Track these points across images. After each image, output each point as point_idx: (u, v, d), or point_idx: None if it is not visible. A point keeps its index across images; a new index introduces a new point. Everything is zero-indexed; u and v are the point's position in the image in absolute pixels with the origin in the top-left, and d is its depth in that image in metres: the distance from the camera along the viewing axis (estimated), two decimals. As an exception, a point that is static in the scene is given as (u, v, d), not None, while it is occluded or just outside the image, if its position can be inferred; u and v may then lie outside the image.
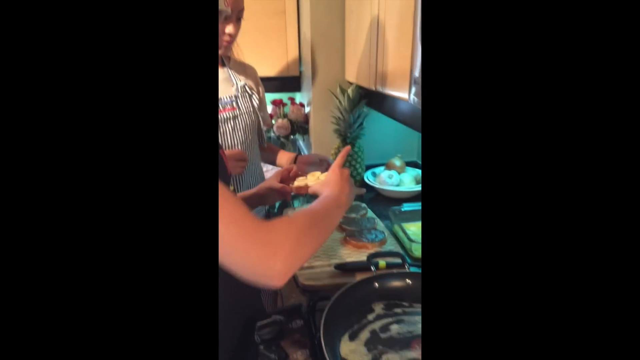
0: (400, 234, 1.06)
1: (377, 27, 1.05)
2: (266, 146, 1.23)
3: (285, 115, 1.62)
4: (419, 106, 0.75)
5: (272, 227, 0.46)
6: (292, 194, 0.84)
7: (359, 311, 0.71)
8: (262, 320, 0.67)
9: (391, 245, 1.03)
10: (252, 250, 0.42)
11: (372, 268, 0.80)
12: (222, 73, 1.09)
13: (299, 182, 0.82)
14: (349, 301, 0.71)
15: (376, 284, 0.77)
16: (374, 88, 1.15)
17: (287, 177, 0.86)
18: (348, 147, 0.80)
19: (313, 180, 0.80)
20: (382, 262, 0.89)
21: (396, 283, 0.77)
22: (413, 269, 0.93)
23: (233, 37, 0.99)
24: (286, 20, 1.50)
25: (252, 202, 0.82)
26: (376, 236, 1.04)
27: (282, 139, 1.64)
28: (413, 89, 0.73)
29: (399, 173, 1.36)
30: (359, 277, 0.79)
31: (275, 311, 0.73)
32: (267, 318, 0.68)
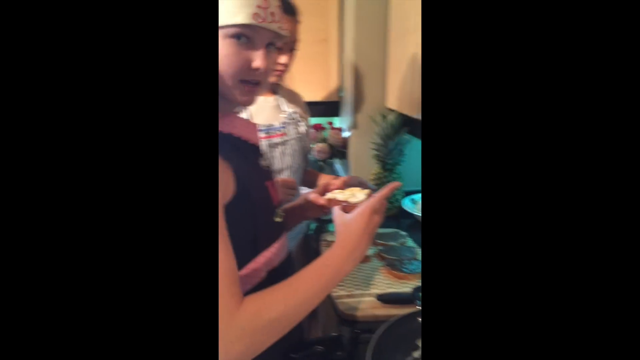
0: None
1: (420, 55, 1.06)
2: (308, 170, 1.25)
3: (324, 140, 1.64)
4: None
5: (245, 306, 0.45)
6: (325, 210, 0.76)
7: (404, 347, 0.69)
8: (302, 350, 0.66)
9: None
10: (222, 313, 0.41)
11: (417, 302, 0.78)
12: (274, 100, 1.13)
13: (331, 194, 0.74)
14: (394, 336, 0.70)
15: (419, 319, 0.74)
16: (415, 115, 1.15)
17: (324, 191, 0.79)
18: (397, 184, 0.69)
19: (347, 195, 0.71)
20: (424, 295, 0.87)
21: (442, 320, 0.75)
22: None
23: (287, 67, 1.02)
24: (329, 47, 1.54)
25: (294, 215, 0.81)
26: (417, 267, 1.02)
27: (320, 162, 1.65)
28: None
29: (439, 201, 1.34)
30: (403, 310, 0.77)
31: (315, 341, 0.72)
32: (306, 348, 0.67)
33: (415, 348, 0.69)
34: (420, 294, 0.86)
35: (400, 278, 0.98)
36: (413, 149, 1.44)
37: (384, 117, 1.32)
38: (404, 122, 1.31)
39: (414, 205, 1.37)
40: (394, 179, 1.37)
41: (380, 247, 1.10)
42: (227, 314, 0.43)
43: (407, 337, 0.71)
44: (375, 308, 0.86)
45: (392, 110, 1.34)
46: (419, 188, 1.48)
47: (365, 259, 1.06)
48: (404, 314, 0.74)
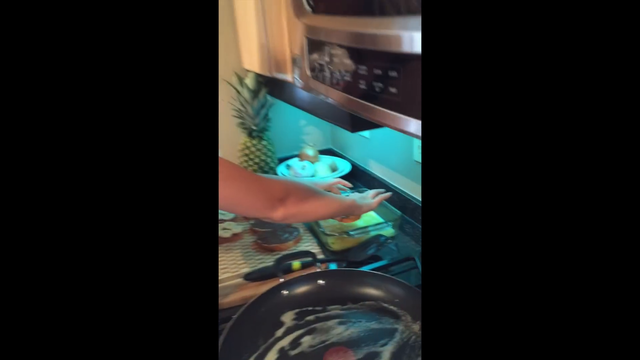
0: (316, 228, 0.98)
1: (261, 5, 0.95)
2: None
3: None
4: (306, 88, 0.67)
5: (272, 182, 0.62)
6: None
7: (266, 328, 0.62)
8: None
9: (307, 242, 0.95)
10: (254, 202, 0.59)
11: (280, 274, 0.71)
12: None
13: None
14: (253, 318, 0.62)
15: (284, 292, 0.68)
16: (270, 74, 1.05)
17: None
18: (388, 194, 0.88)
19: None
20: (295, 264, 0.81)
21: (306, 287, 0.69)
22: (332, 266, 0.86)
23: None
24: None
25: None
26: (290, 234, 0.96)
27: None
28: (296, 71, 0.65)
29: (313, 163, 1.29)
30: (266, 286, 0.70)
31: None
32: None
33: (279, 325, 0.63)
34: (290, 262, 0.79)
35: (271, 250, 0.91)
36: (279, 112, 1.36)
37: (241, 79, 1.20)
38: (263, 83, 1.20)
39: (289, 172, 1.30)
40: (264, 147, 1.27)
41: (252, 221, 1.02)
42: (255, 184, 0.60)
43: (269, 314, 0.64)
44: (242, 290, 0.77)
45: (249, 71, 1.22)
46: (293, 153, 1.42)
47: (235, 236, 0.96)
48: (264, 291, 0.66)
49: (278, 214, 0.61)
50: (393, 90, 0.34)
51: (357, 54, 0.40)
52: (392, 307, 0.65)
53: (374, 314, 0.64)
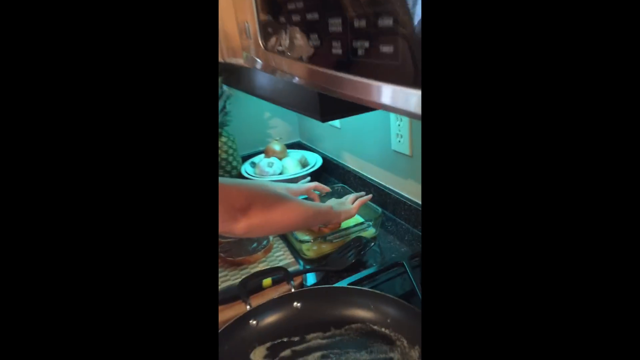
0: (287, 234, 0.86)
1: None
2: None
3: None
4: (265, 68, 0.54)
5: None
6: None
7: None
8: None
9: (279, 251, 0.83)
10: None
11: (245, 299, 0.58)
12: None
13: None
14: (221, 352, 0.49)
15: (252, 322, 0.55)
16: (222, 60, 0.90)
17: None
18: (369, 197, 0.82)
19: None
20: (266, 281, 0.68)
21: (279, 313, 0.57)
22: (309, 278, 0.75)
23: None
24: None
25: None
26: (259, 243, 0.83)
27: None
28: (249, 47, 0.52)
29: (280, 159, 1.16)
30: (234, 311, 0.57)
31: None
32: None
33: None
34: (259, 280, 0.67)
35: (237, 265, 0.78)
36: (239, 104, 1.22)
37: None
38: (218, 71, 1.06)
39: (254, 169, 1.17)
40: (224, 144, 1.13)
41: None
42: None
43: (235, 351, 0.52)
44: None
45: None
46: (258, 149, 1.29)
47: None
48: (229, 323, 0.53)
49: (240, 227, 0.51)
50: (386, 49, 0.22)
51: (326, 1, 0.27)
52: (383, 329, 0.54)
53: (363, 340, 0.53)
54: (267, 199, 0.54)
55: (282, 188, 0.81)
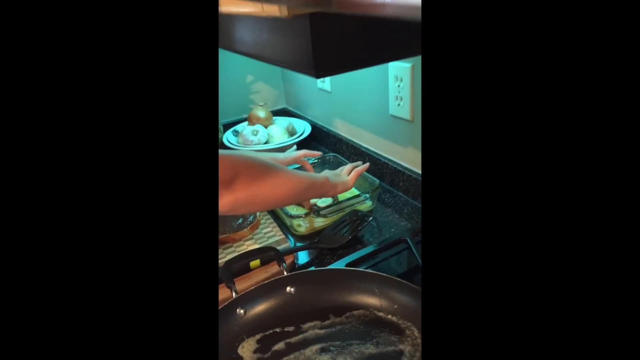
0: (277, 208, 0.78)
1: None
2: None
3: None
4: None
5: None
6: None
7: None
8: None
9: (267, 227, 0.75)
10: None
11: (230, 285, 0.50)
12: None
13: None
14: None
15: (240, 311, 0.48)
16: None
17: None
18: (366, 166, 0.74)
19: None
20: (254, 262, 0.61)
21: (270, 300, 0.50)
22: (301, 256, 0.68)
23: None
24: None
25: None
26: (245, 218, 0.76)
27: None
28: None
29: (266, 127, 1.07)
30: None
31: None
32: None
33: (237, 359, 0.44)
34: (247, 261, 0.59)
35: (221, 243, 0.70)
36: (221, 66, 1.10)
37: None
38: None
39: (237, 138, 1.07)
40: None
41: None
42: None
43: (222, 344, 0.45)
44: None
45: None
46: (241, 117, 1.19)
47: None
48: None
49: (224, 203, 0.44)
50: None
51: None
52: (390, 316, 0.47)
53: (368, 329, 0.46)
54: (254, 169, 0.46)
55: (270, 157, 0.72)
